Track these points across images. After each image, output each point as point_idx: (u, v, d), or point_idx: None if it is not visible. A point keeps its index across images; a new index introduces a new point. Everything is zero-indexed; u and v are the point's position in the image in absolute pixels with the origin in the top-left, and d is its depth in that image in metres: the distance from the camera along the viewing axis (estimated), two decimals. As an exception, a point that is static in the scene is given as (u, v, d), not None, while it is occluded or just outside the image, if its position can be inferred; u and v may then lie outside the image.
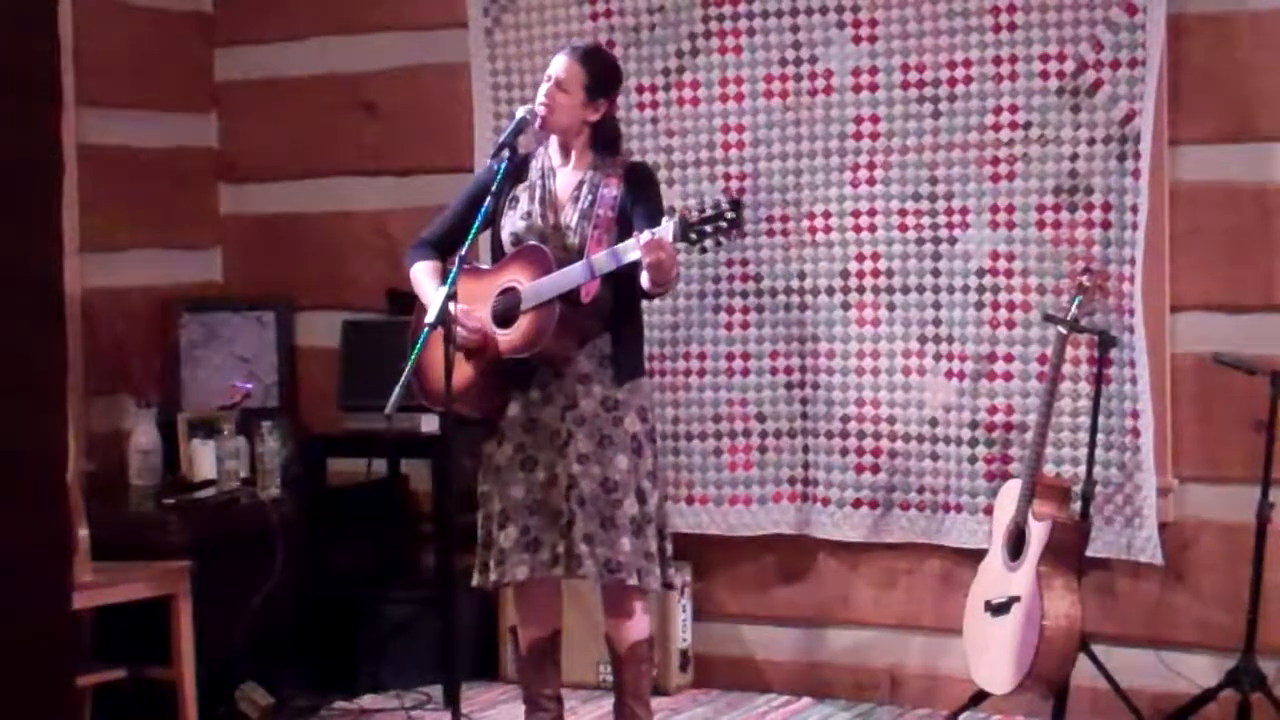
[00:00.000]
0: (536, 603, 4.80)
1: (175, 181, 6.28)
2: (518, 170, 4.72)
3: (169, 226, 6.26)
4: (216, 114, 6.45)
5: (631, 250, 4.39)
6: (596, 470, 4.56)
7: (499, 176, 4.59)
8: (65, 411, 2.26)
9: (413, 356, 4.47)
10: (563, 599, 4.89)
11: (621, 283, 4.54)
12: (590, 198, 4.62)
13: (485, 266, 4.77)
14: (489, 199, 4.60)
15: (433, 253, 4.80)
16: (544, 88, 4.65)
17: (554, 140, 4.70)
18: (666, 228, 4.35)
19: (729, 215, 4.34)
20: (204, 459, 5.73)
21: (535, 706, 4.84)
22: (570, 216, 4.62)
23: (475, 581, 4.73)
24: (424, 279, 4.76)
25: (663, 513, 4.73)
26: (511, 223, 4.68)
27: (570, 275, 4.47)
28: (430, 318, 4.40)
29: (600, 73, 4.69)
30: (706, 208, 4.36)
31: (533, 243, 4.61)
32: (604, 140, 4.71)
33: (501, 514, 4.64)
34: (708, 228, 4.34)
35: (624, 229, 4.53)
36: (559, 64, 4.66)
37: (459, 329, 4.49)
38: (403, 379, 4.41)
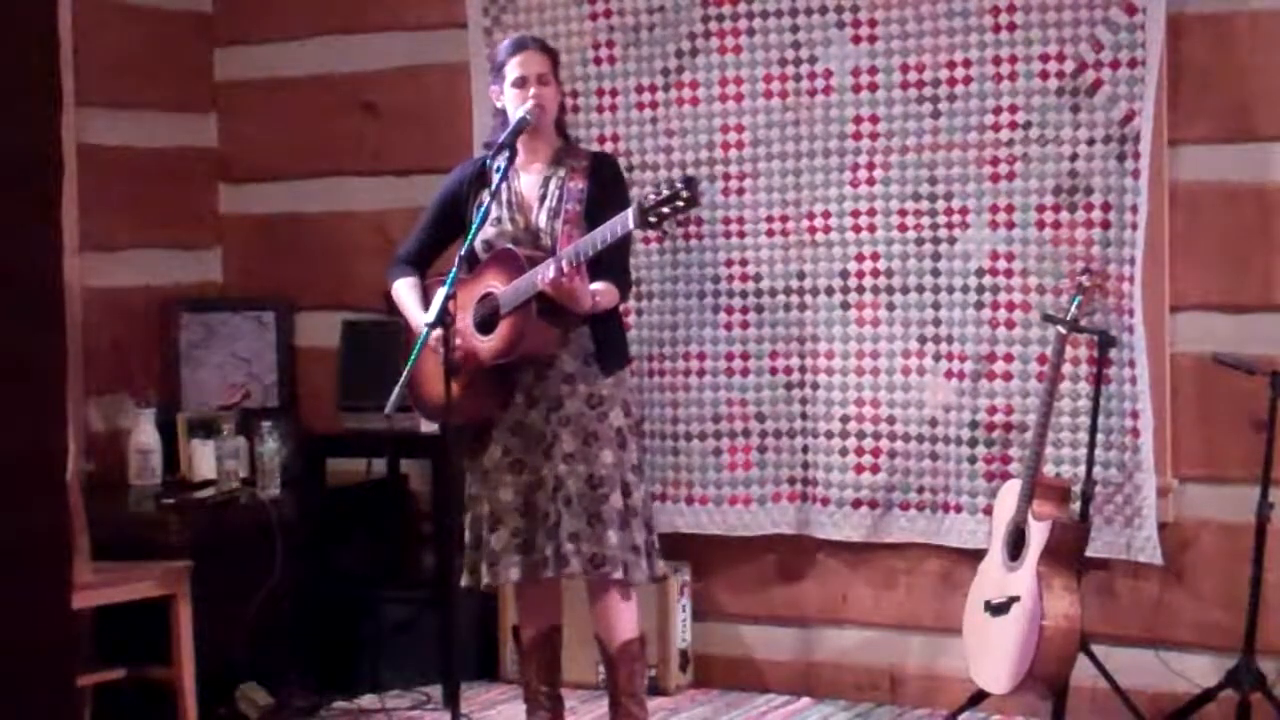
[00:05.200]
0: (535, 600, 4.82)
1: (175, 181, 6.28)
2: (478, 175, 4.73)
3: (169, 226, 6.26)
4: (216, 114, 6.44)
5: (597, 240, 4.42)
6: (582, 468, 4.58)
7: (499, 176, 4.59)
8: (65, 411, 2.26)
9: (412, 357, 4.48)
10: (562, 596, 4.89)
11: (596, 269, 4.54)
12: (558, 194, 4.63)
13: (463, 276, 4.75)
14: (488, 198, 4.60)
15: (410, 270, 4.84)
16: (531, 90, 4.64)
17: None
18: (626, 217, 4.36)
19: (684, 195, 4.33)
20: (204, 459, 5.73)
21: (534, 704, 4.85)
22: (540, 218, 4.64)
23: (464, 583, 4.76)
24: (405, 295, 4.81)
25: (648, 506, 4.76)
26: (484, 231, 4.66)
27: (541, 273, 4.48)
28: (430, 318, 4.41)
29: (553, 52, 4.78)
30: (662, 190, 4.35)
31: (505, 246, 4.63)
32: (560, 118, 4.78)
33: (491, 516, 4.66)
34: (665, 209, 4.34)
35: (593, 221, 4.53)
36: (534, 61, 4.67)
37: (439, 350, 4.46)
38: (402, 379, 4.42)
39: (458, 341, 4.50)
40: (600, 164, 4.73)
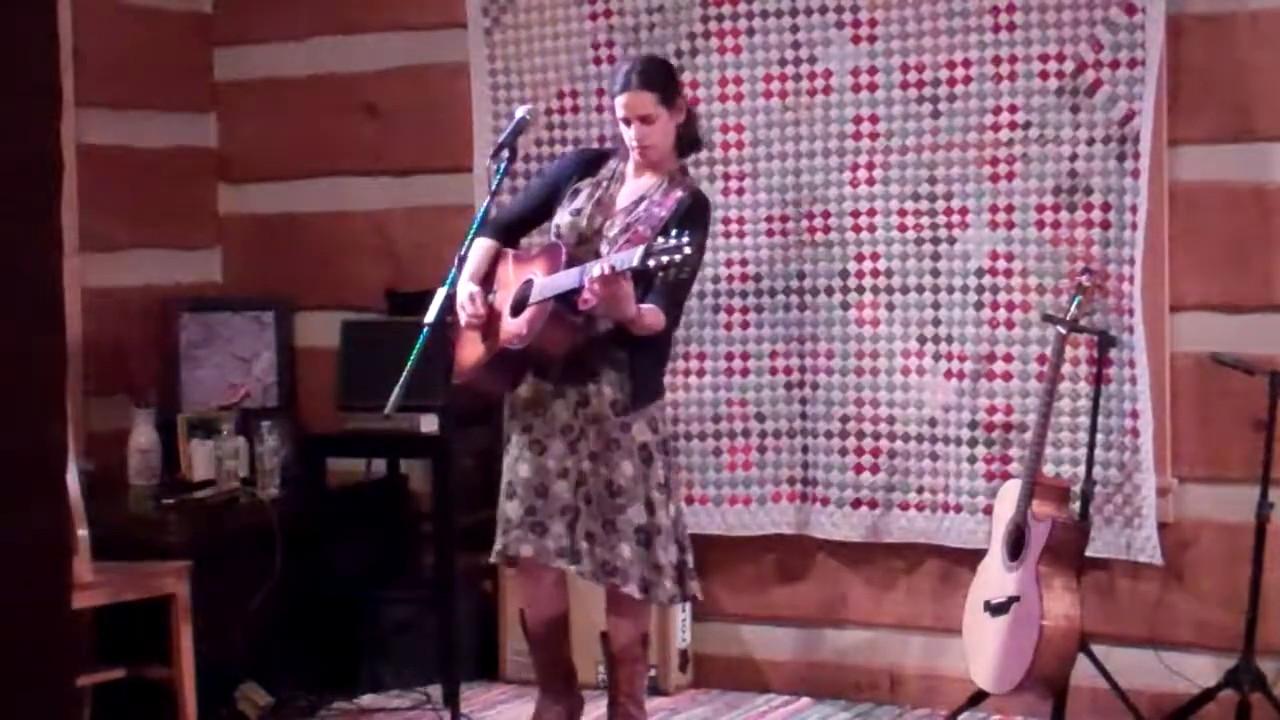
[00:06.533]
0: (539, 587, 4.81)
1: (175, 181, 6.28)
2: (591, 164, 4.78)
3: (169, 226, 6.26)
4: (216, 114, 6.44)
5: (614, 264, 4.37)
6: (603, 471, 4.60)
7: (498, 176, 4.63)
8: (65, 411, 2.26)
9: (412, 355, 4.49)
10: (567, 583, 4.87)
11: (648, 298, 4.52)
12: (641, 214, 4.62)
13: (526, 254, 4.82)
14: (488, 199, 4.64)
15: (492, 233, 4.81)
16: (630, 130, 4.63)
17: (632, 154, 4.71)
18: (633, 253, 4.34)
19: (686, 250, 4.29)
20: (203, 459, 5.73)
21: (549, 691, 4.88)
22: (615, 227, 4.63)
23: (492, 557, 4.77)
24: (469, 256, 4.74)
25: (681, 525, 4.72)
26: (561, 215, 4.72)
27: (567, 278, 4.49)
28: (429, 318, 4.45)
29: (664, 84, 4.68)
30: (669, 240, 4.31)
31: (554, 241, 4.66)
32: (688, 136, 4.76)
33: (509, 485, 4.70)
34: (664, 258, 4.31)
35: None
36: (636, 103, 4.62)
37: (464, 310, 4.62)
38: (403, 378, 4.43)
39: (482, 311, 4.66)
40: (691, 201, 4.66)
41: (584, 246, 4.62)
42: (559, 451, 4.64)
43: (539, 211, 4.85)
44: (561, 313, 4.52)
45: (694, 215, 4.63)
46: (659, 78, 4.68)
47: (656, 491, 4.62)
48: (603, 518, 4.58)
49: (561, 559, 4.64)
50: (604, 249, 4.59)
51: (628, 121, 4.65)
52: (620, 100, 4.65)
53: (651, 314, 4.53)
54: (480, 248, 4.79)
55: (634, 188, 4.70)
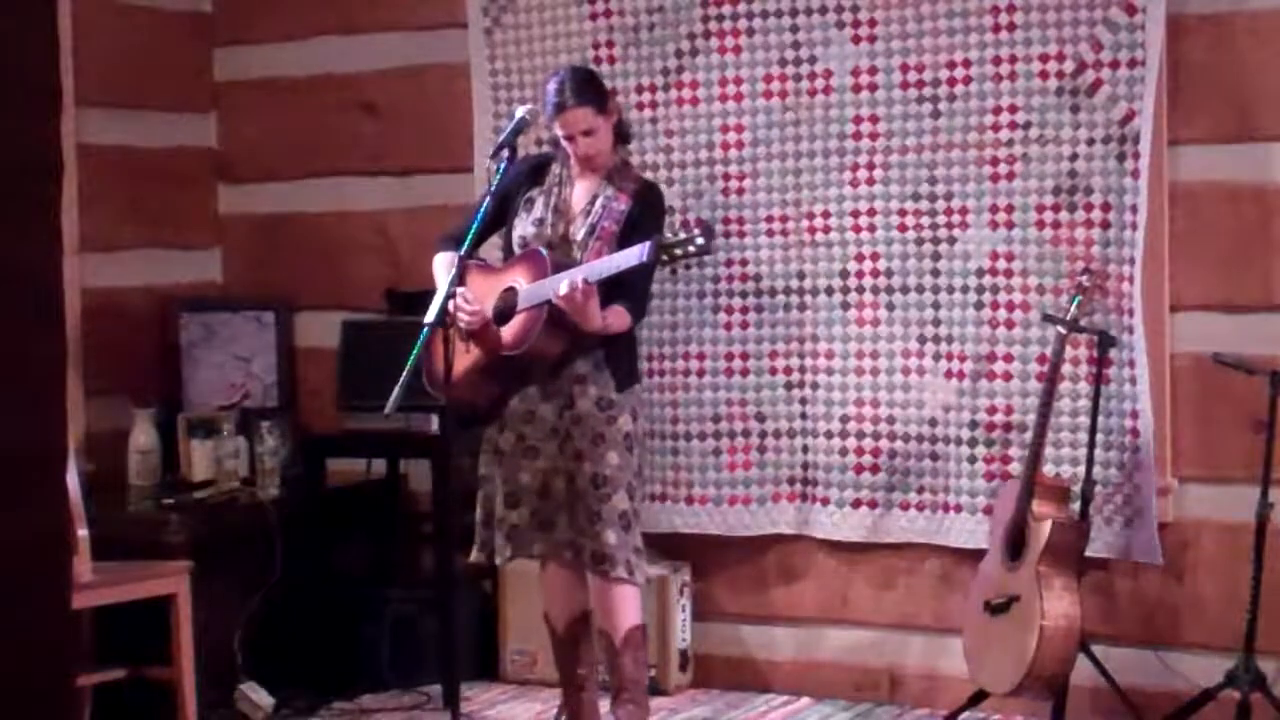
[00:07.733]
0: (565, 586, 4.90)
1: (175, 181, 6.28)
2: (536, 171, 4.85)
3: (168, 226, 6.26)
4: (216, 114, 6.45)
5: (614, 264, 4.48)
6: (588, 467, 4.69)
7: (498, 176, 4.67)
8: (65, 411, 2.26)
9: (413, 356, 4.51)
10: (587, 583, 4.90)
11: (614, 292, 4.60)
12: (601, 211, 4.73)
13: (496, 265, 4.91)
14: (488, 200, 4.69)
15: (453, 247, 4.86)
16: (574, 145, 4.71)
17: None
18: (644, 248, 4.40)
19: (699, 241, 4.44)
20: (203, 459, 5.73)
21: (571, 685, 4.95)
22: (579, 230, 4.73)
23: (472, 557, 4.88)
24: (438, 272, 4.86)
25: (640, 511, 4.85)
26: (522, 226, 4.79)
27: (559, 281, 4.53)
28: (429, 317, 4.47)
29: (596, 94, 4.77)
30: (679, 232, 4.43)
31: (536, 248, 4.71)
32: (621, 132, 4.86)
33: (511, 495, 4.78)
34: (678, 251, 4.44)
35: (624, 243, 4.61)
36: (574, 120, 4.70)
37: (460, 313, 4.63)
38: (403, 378, 4.46)
39: (476, 309, 4.65)
40: (645, 191, 4.80)
41: (555, 252, 4.70)
42: (551, 452, 4.75)
43: (493, 224, 4.88)
44: (557, 316, 4.56)
45: (652, 204, 4.77)
46: (590, 89, 4.77)
47: (634, 479, 4.73)
48: (588, 511, 4.68)
49: (566, 551, 4.77)
50: (576, 253, 4.68)
51: (570, 138, 4.73)
52: (559, 121, 4.73)
53: (616, 316, 4.64)
54: (445, 261, 4.83)
55: (584, 189, 4.79)
